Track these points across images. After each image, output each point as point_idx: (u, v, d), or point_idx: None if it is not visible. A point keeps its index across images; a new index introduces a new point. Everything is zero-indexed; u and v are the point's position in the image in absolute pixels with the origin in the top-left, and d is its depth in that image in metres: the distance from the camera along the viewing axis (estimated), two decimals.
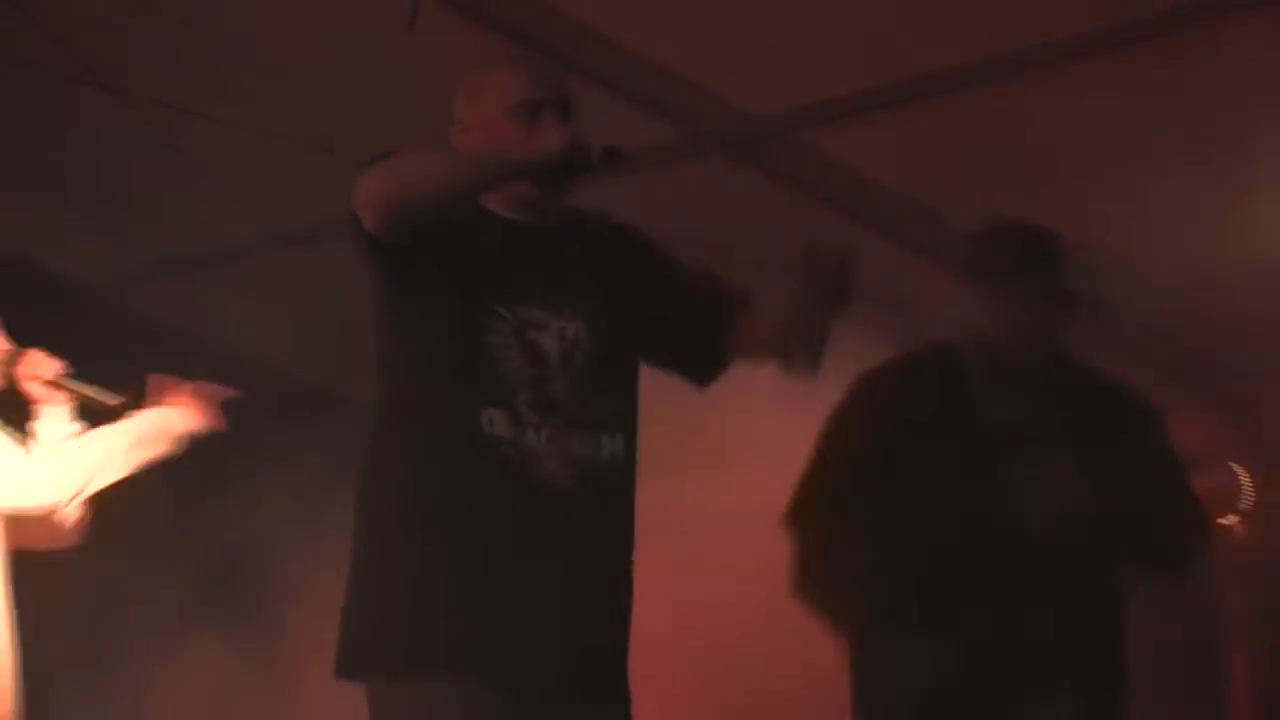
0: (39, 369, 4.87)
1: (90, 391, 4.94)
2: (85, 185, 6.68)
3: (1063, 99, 5.45)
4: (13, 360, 5.08)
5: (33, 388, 4.69)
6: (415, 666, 3.49)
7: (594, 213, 3.91)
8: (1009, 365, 4.46)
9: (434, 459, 3.59)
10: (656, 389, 3.79)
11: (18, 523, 4.96)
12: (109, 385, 4.92)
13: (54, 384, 5.18)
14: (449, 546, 3.57)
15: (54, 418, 4.92)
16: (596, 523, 3.58)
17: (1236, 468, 7.14)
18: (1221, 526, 7.02)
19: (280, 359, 7.57)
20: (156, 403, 4.89)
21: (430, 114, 3.77)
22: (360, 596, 3.59)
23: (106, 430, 4.93)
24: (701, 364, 3.82)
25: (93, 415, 5.06)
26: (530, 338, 3.65)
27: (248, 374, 6.38)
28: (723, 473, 5.13)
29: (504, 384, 3.58)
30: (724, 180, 5.92)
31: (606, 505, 3.61)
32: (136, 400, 5.05)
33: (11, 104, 6.28)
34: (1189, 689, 7.15)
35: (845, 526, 4.50)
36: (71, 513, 4.76)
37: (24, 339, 5.43)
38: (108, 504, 5.04)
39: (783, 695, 6.42)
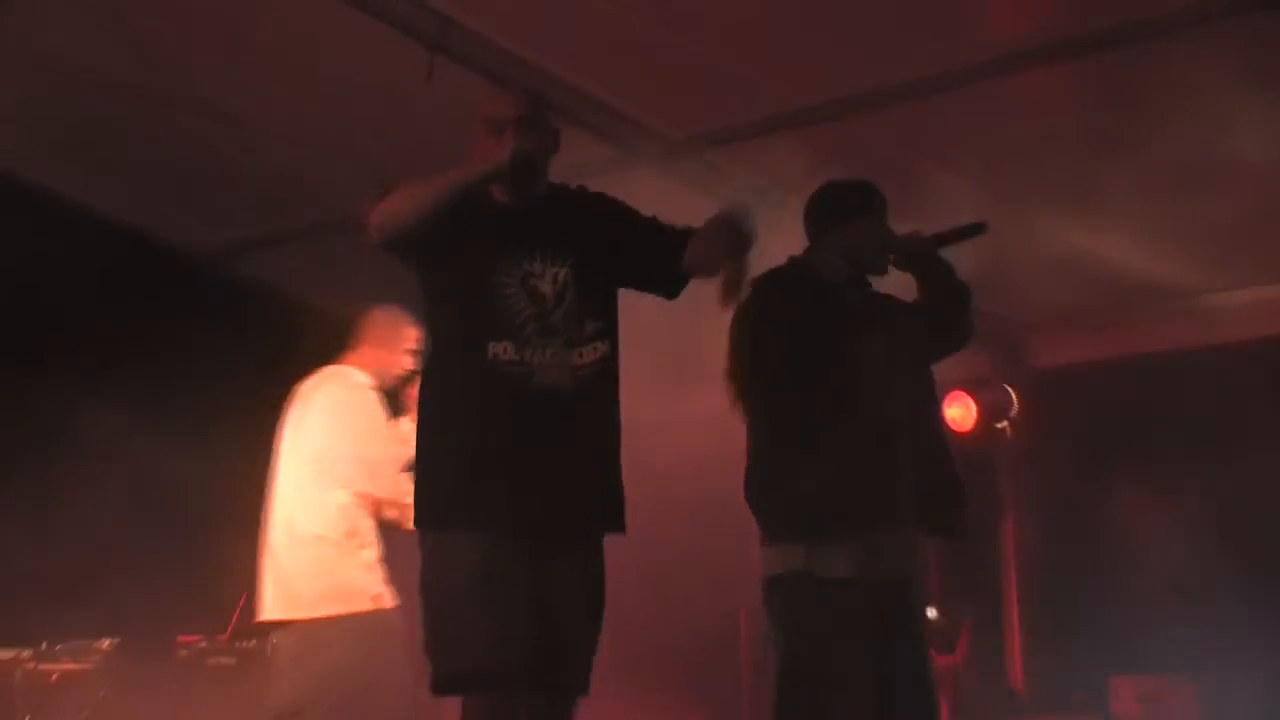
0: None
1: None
2: None
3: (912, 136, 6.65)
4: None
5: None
6: (447, 523, 4.42)
7: (573, 187, 4.72)
8: (849, 270, 5.22)
9: (456, 381, 4.47)
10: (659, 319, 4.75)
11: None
12: None
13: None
14: (469, 438, 4.43)
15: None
16: (589, 410, 4.49)
17: (1008, 387, 8.46)
18: (998, 430, 8.48)
19: None
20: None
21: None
22: (418, 476, 4.55)
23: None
24: (665, 281, 4.65)
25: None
26: (531, 285, 4.49)
27: None
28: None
29: (511, 322, 4.42)
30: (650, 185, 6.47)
31: (596, 397, 4.50)
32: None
33: None
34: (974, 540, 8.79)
35: (754, 374, 5.17)
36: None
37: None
38: None
39: None
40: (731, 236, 4.43)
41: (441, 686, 4.36)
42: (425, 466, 4.56)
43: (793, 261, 5.39)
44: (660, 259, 4.64)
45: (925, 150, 6.89)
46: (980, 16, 6.12)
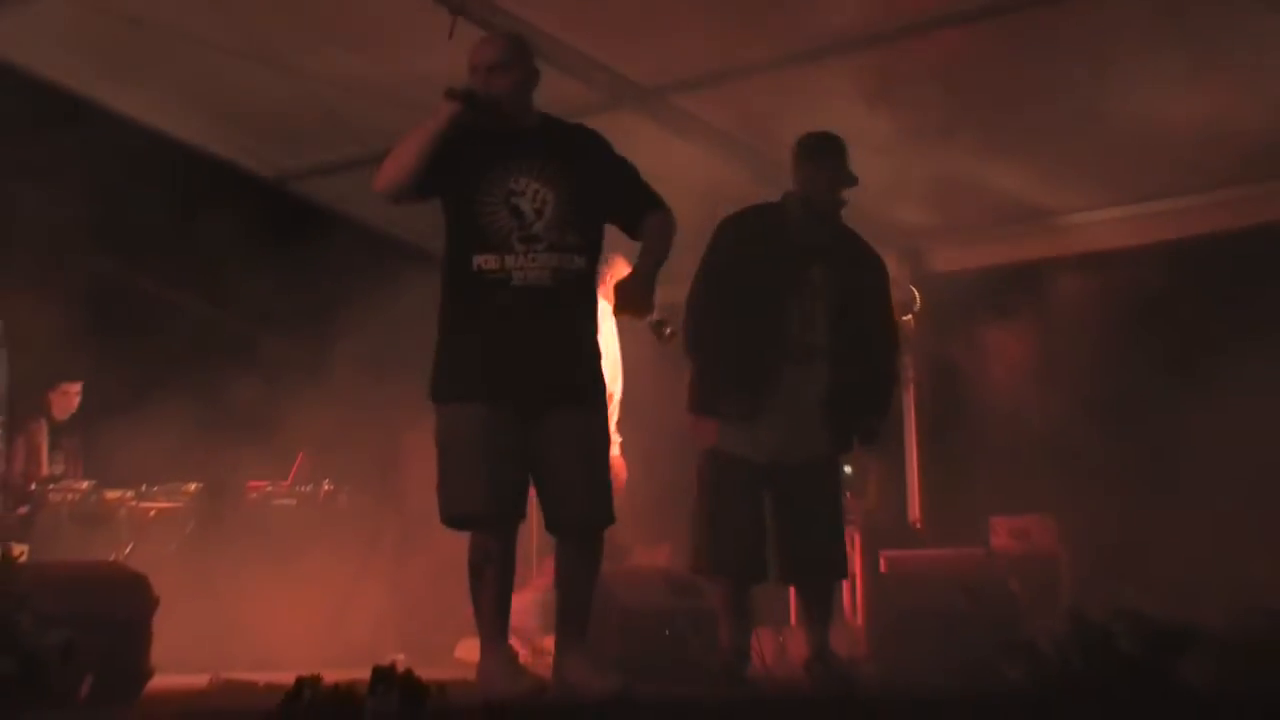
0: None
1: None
2: None
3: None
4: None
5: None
6: (450, 396, 4.89)
7: (570, 122, 5.07)
8: (810, 210, 5.77)
9: (454, 290, 4.89)
10: None
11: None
12: None
13: None
14: (462, 333, 4.87)
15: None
16: (568, 304, 4.86)
17: (913, 288, 8.98)
18: (904, 321, 8.65)
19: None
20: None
21: None
22: (434, 360, 4.97)
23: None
24: (628, 226, 5.02)
25: None
26: (513, 203, 4.84)
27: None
28: None
29: (493, 237, 4.79)
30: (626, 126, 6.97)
31: (574, 295, 4.88)
32: None
33: None
34: None
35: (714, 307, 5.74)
36: None
37: None
38: None
39: None
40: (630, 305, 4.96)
41: (449, 523, 4.86)
42: (437, 355, 4.96)
43: (762, 204, 5.94)
44: (629, 207, 5.03)
45: (857, 98, 7.16)
46: None
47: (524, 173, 4.89)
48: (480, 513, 4.80)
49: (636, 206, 5.04)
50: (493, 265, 4.82)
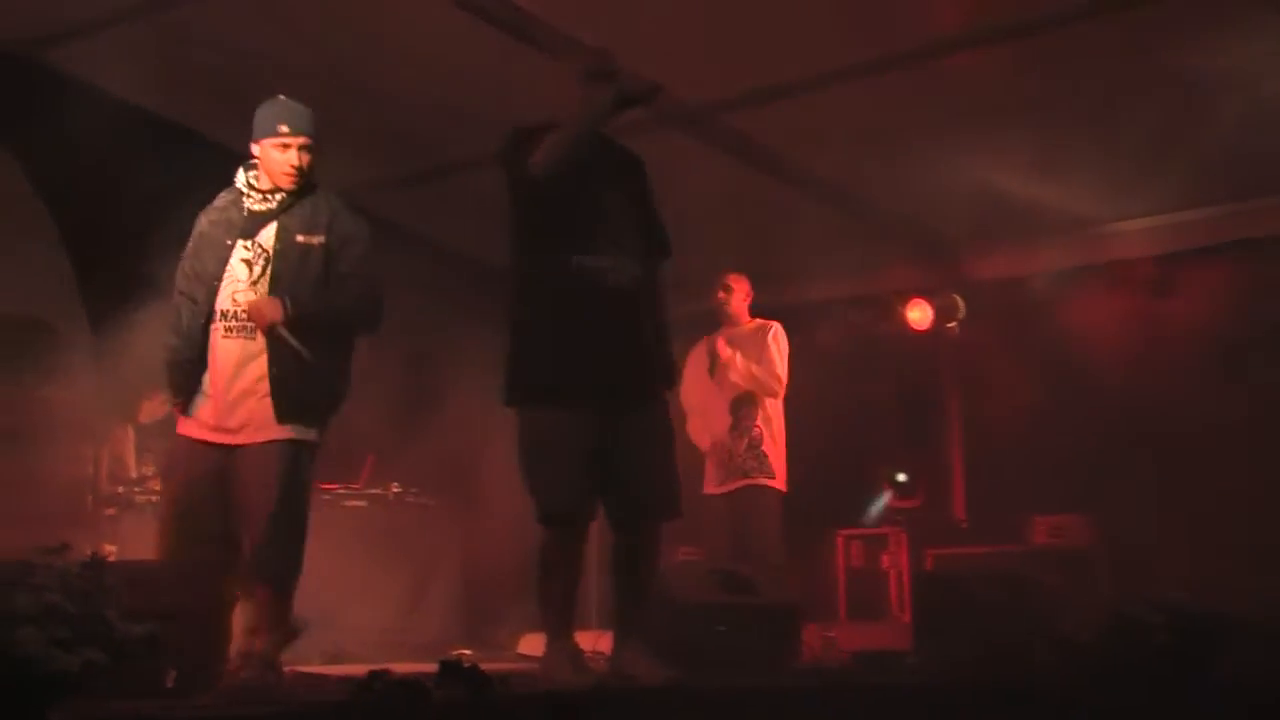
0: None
1: None
2: None
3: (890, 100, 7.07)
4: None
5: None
6: (540, 398, 4.84)
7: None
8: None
9: (544, 287, 4.83)
10: None
11: None
12: None
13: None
14: (556, 329, 4.78)
15: None
16: (646, 307, 4.91)
17: (956, 295, 9.03)
18: (948, 329, 9.08)
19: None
20: None
21: None
22: (510, 359, 4.90)
23: None
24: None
25: None
26: (603, 207, 4.90)
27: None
28: None
29: (596, 237, 4.80)
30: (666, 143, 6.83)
31: (650, 299, 4.92)
32: None
33: None
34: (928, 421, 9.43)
35: None
36: None
37: None
38: None
39: None
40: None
41: (546, 522, 4.82)
42: (519, 355, 4.89)
43: None
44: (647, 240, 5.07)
45: (891, 118, 7.23)
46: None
47: (608, 180, 4.96)
48: (575, 512, 4.81)
49: (652, 241, 5.09)
50: (592, 266, 4.83)
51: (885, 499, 9.11)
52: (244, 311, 4.92)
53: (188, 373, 4.98)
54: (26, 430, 6.69)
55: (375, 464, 8.41)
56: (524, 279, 4.94)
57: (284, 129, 5.02)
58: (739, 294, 7.56)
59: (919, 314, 9.13)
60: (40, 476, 6.58)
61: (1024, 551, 7.90)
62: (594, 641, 5.76)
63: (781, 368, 7.39)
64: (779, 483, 7.36)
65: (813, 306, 9.24)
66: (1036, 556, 7.77)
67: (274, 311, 4.86)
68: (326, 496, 8.23)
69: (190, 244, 5.12)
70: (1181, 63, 6.68)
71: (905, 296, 9.18)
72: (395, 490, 8.41)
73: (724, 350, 7.33)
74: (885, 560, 8.66)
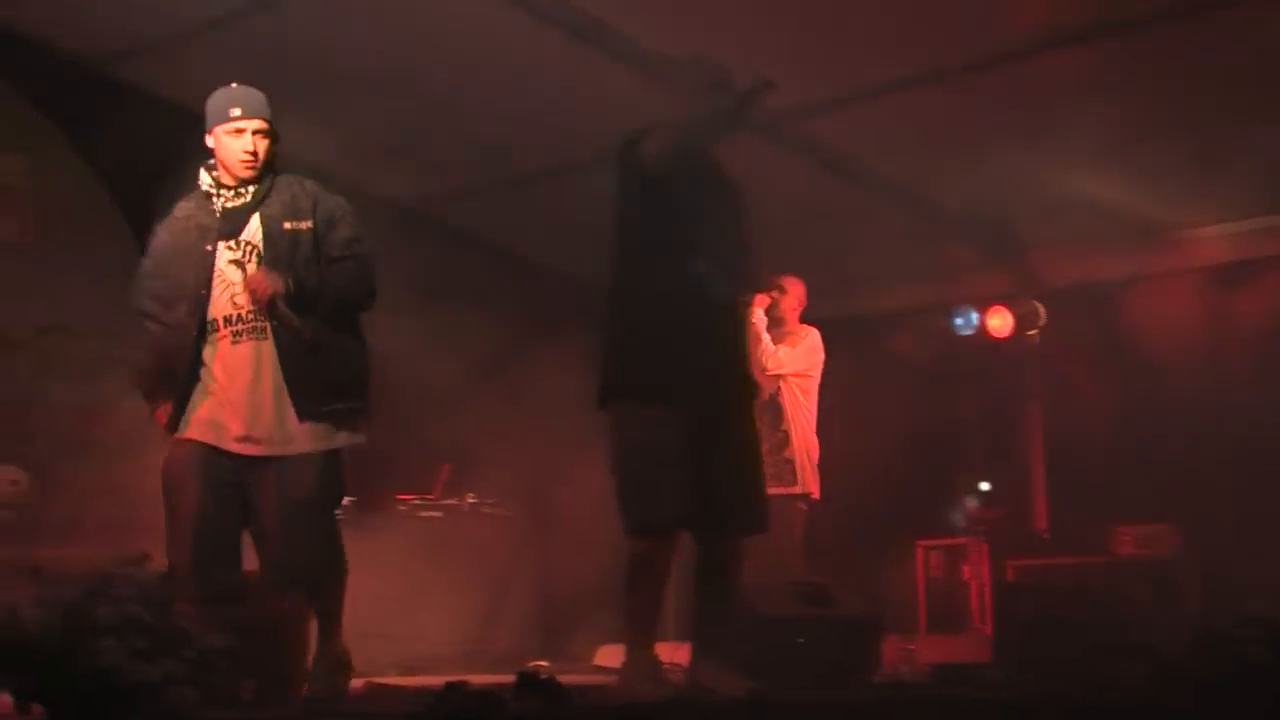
0: None
1: None
2: None
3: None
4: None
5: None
6: (635, 396, 4.82)
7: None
8: None
9: (656, 289, 4.77)
10: None
11: None
12: None
13: None
14: (663, 331, 4.76)
15: None
16: (742, 317, 5.07)
17: (1036, 302, 8.91)
18: (1028, 336, 8.99)
19: None
20: None
21: None
22: (611, 357, 4.87)
23: None
24: None
25: None
26: (714, 224, 4.86)
27: None
28: None
29: (711, 243, 4.80)
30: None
31: (742, 308, 5.07)
32: None
33: None
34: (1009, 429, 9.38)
35: None
36: None
37: None
38: None
39: None
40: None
41: (637, 531, 4.74)
42: (621, 354, 4.86)
43: None
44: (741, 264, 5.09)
45: (969, 121, 7.22)
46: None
47: (715, 196, 4.95)
48: (670, 521, 4.73)
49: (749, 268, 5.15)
50: (704, 272, 4.81)
51: (968, 505, 8.97)
52: (243, 294, 4.70)
53: (171, 385, 4.75)
54: (106, 441, 6.70)
55: (451, 474, 8.44)
56: (632, 279, 4.90)
57: (236, 112, 4.81)
58: (792, 297, 7.55)
59: (999, 321, 9.05)
60: (119, 487, 6.55)
61: (1108, 563, 7.79)
62: (671, 653, 5.73)
63: (789, 356, 7.40)
64: (805, 489, 7.33)
65: (891, 314, 9.19)
66: (1121, 568, 7.67)
67: (275, 283, 4.68)
68: (402, 507, 8.36)
69: (148, 261, 4.91)
70: (1265, 65, 6.58)
71: (985, 304, 9.10)
72: (471, 501, 8.46)
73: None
74: (966, 571, 8.60)
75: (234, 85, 4.90)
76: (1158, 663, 4.57)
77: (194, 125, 4.95)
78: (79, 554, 6.34)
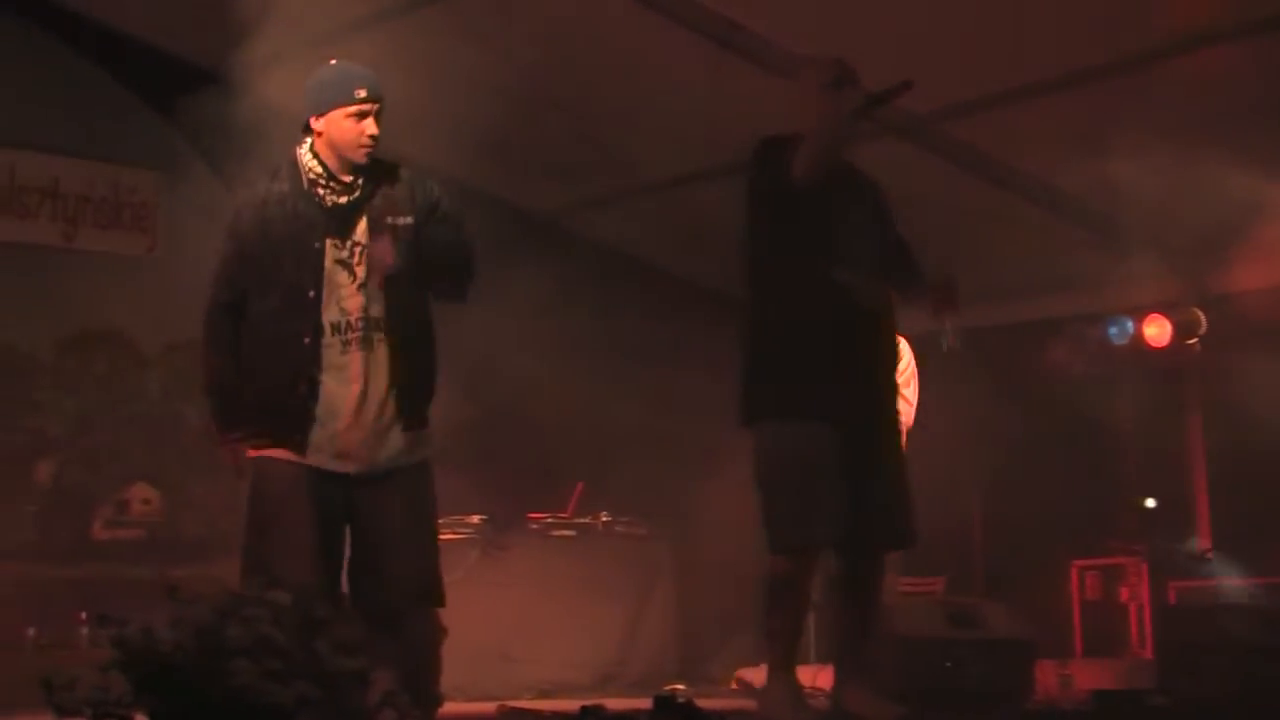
0: None
1: None
2: None
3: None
4: None
5: None
6: (779, 414, 4.78)
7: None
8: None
9: (798, 300, 4.76)
10: None
11: None
12: None
13: None
14: (809, 343, 4.73)
15: None
16: (889, 329, 4.95)
17: (1197, 310, 8.68)
18: (1188, 345, 8.76)
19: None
20: None
21: None
22: (755, 373, 4.86)
23: None
24: None
25: None
26: (853, 228, 4.88)
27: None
28: None
29: (856, 253, 4.79)
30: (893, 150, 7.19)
31: (889, 316, 4.94)
32: None
33: None
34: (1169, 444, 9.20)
35: None
36: None
37: None
38: None
39: None
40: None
41: (785, 551, 4.69)
42: (768, 369, 4.84)
43: None
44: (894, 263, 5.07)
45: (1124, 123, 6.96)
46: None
47: (853, 197, 4.95)
48: (823, 539, 4.69)
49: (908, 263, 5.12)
50: (849, 281, 4.78)
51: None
52: (350, 299, 4.44)
53: (294, 408, 4.45)
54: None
55: (584, 492, 8.46)
56: (773, 291, 4.88)
57: (362, 94, 4.47)
58: None
59: (1157, 330, 8.90)
60: None
61: (1277, 584, 7.66)
62: (813, 677, 5.72)
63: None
64: None
65: (1044, 323, 9.04)
66: None
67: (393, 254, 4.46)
68: (534, 526, 8.40)
69: (233, 243, 4.58)
70: None
71: (1143, 312, 8.91)
72: (604, 519, 8.47)
73: None
74: (1124, 593, 8.47)
75: (345, 62, 4.61)
76: None
77: None
78: (209, 573, 6.55)
